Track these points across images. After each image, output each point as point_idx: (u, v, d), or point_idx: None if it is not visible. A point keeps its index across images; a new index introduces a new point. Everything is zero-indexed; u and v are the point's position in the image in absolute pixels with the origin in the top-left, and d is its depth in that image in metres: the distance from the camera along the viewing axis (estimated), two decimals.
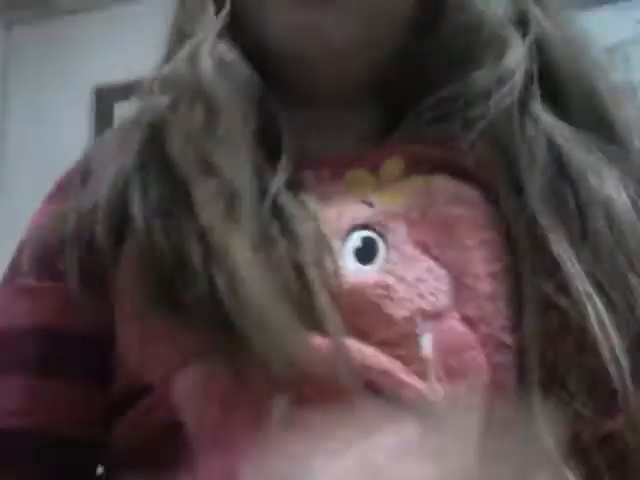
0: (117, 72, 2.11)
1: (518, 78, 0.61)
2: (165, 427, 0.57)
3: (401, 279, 0.56)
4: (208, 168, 0.56)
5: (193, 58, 0.61)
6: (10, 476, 0.61)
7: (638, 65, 1.81)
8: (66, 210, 0.61)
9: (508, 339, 0.56)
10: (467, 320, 0.56)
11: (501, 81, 0.60)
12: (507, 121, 0.60)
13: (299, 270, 0.54)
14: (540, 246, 0.57)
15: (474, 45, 0.62)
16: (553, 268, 0.56)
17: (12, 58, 2.49)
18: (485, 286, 0.57)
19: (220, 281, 0.52)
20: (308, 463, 0.52)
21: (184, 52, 0.62)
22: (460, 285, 0.57)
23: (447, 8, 0.63)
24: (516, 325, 0.57)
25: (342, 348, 0.52)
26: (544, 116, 0.61)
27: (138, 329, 0.57)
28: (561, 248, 0.57)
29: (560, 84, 0.62)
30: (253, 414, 0.51)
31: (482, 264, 0.58)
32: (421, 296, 0.56)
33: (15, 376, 0.62)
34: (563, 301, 0.55)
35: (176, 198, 0.56)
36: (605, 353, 0.54)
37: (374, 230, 0.58)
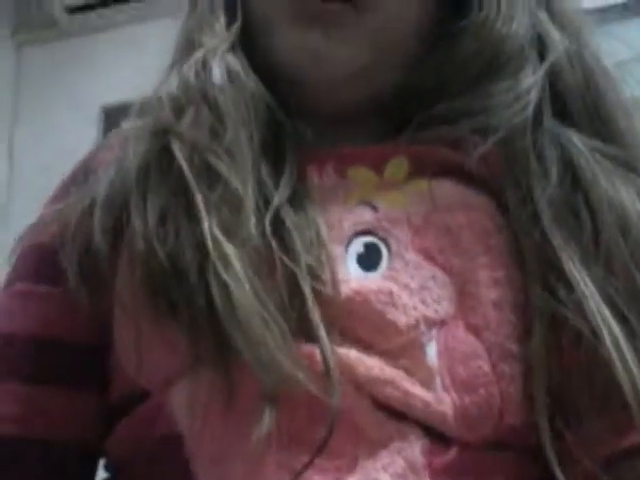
0: (125, 92, 2.12)
1: (534, 96, 0.60)
2: (165, 439, 0.56)
3: (405, 286, 0.55)
4: (213, 177, 0.55)
5: (203, 67, 0.60)
6: None
7: None
8: (67, 207, 0.60)
9: (515, 348, 0.55)
10: (472, 328, 0.55)
11: (517, 98, 0.60)
12: (520, 134, 0.59)
13: (295, 285, 0.53)
14: (551, 264, 0.56)
15: (493, 63, 0.61)
16: (565, 287, 0.55)
17: (22, 79, 2.51)
18: (490, 293, 0.56)
19: (215, 292, 0.51)
20: None
21: (194, 61, 0.61)
22: (464, 293, 0.56)
23: (471, 27, 0.62)
24: (523, 334, 0.55)
25: (332, 360, 0.51)
26: (557, 128, 0.60)
27: (135, 333, 0.56)
28: (573, 267, 0.55)
29: (572, 102, 0.62)
30: (245, 429, 0.50)
31: (487, 271, 0.57)
32: (425, 303, 0.55)
33: (8, 383, 0.61)
34: (577, 321, 0.54)
35: (176, 205, 0.55)
36: (620, 372, 0.52)
37: (377, 236, 0.57)
